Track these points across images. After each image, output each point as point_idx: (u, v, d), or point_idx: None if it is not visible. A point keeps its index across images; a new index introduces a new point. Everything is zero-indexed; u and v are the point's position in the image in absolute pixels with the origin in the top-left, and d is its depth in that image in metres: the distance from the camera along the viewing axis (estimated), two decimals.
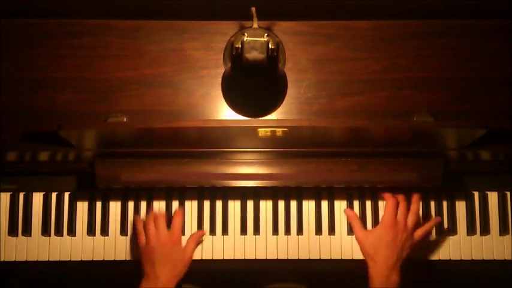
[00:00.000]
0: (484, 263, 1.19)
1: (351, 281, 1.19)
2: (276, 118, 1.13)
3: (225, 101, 1.14)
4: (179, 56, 1.14)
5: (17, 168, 1.17)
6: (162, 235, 1.12)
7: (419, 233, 1.13)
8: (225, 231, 1.20)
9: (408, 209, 1.13)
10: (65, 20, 1.14)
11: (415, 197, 1.15)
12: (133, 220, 1.18)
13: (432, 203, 1.21)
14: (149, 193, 1.21)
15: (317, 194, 1.21)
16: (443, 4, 1.19)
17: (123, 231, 1.20)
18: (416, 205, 1.14)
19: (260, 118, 1.13)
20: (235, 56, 1.02)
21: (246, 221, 1.20)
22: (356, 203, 1.21)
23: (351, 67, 1.14)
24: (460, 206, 1.21)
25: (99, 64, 1.14)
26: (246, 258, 1.19)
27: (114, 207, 1.21)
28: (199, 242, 1.18)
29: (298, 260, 1.18)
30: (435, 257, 1.19)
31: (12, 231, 1.19)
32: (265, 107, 1.13)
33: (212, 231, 1.19)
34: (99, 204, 1.21)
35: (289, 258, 1.19)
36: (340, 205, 1.20)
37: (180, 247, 1.14)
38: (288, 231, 1.20)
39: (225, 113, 1.14)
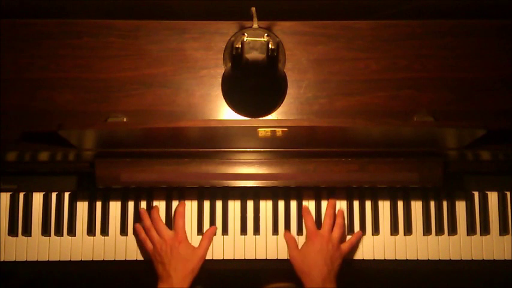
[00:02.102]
0: (484, 263, 1.19)
1: (350, 281, 1.19)
2: (276, 118, 1.13)
3: (225, 101, 1.14)
4: (179, 56, 1.14)
5: (17, 168, 1.17)
6: (167, 237, 1.13)
7: (346, 245, 1.15)
8: (225, 231, 1.19)
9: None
10: (65, 20, 1.14)
11: (339, 211, 1.18)
12: (135, 229, 1.18)
13: (432, 203, 1.21)
14: (149, 193, 1.21)
15: (317, 194, 1.21)
16: (443, 4, 1.19)
17: (123, 231, 1.20)
18: (341, 218, 1.17)
19: (260, 118, 1.13)
20: (235, 56, 1.02)
21: (246, 221, 1.20)
22: (356, 203, 1.21)
23: (350, 67, 1.14)
24: (460, 206, 1.21)
25: (99, 64, 1.14)
26: (246, 258, 1.19)
27: (114, 207, 1.21)
28: (212, 237, 1.18)
29: None
30: (435, 257, 1.19)
31: (12, 231, 1.19)
32: (265, 107, 1.13)
33: None
34: (99, 204, 1.21)
35: (289, 258, 1.18)
36: (340, 205, 1.20)
37: (188, 244, 1.15)
38: (288, 231, 1.20)
39: (225, 113, 1.14)
